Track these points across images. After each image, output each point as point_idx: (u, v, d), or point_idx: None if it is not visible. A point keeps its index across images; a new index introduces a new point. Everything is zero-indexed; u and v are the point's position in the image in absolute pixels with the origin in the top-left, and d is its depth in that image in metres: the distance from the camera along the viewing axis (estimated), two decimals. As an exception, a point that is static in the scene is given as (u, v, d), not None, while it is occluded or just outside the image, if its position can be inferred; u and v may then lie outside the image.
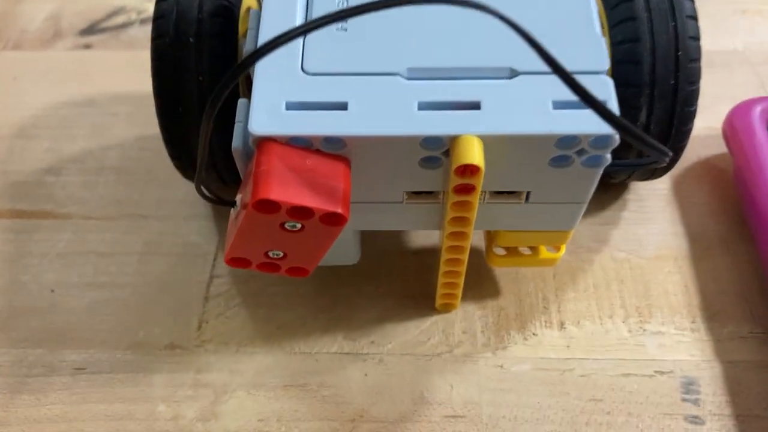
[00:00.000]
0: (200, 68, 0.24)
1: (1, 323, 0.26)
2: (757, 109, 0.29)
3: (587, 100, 0.16)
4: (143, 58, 0.37)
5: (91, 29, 0.39)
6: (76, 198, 0.30)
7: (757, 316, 0.25)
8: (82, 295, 0.27)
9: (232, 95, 0.24)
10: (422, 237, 0.28)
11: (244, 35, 0.26)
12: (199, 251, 0.28)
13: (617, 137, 0.18)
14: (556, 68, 0.16)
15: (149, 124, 0.33)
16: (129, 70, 0.37)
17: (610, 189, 0.29)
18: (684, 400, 0.23)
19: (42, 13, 0.40)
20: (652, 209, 0.29)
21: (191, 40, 0.24)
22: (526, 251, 0.24)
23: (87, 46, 0.38)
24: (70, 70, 0.37)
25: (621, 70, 0.24)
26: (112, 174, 0.31)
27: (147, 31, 0.39)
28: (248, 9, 0.27)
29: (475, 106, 0.19)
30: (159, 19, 0.24)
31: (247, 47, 0.22)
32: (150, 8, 0.40)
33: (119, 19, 0.40)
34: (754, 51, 0.36)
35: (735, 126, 0.29)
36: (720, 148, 0.31)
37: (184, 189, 0.30)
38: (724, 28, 0.38)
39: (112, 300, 0.27)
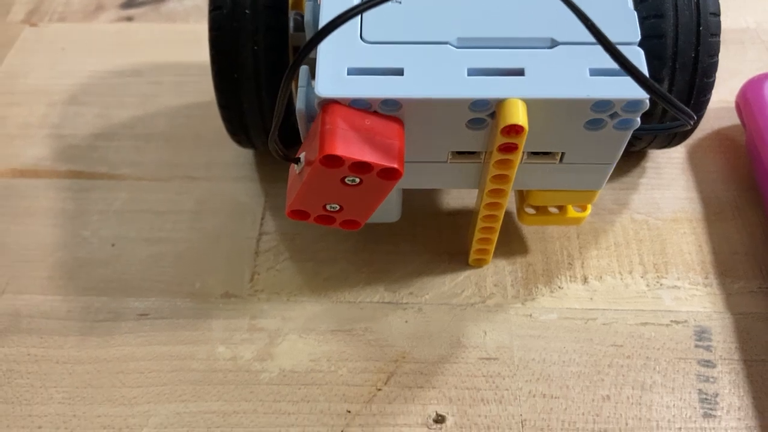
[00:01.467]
0: (256, 38, 0.26)
1: (67, 274, 0.28)
2: (769, 84, 0.31)
3: (625, 66, 0.18)
4: (183, 30, 0.40)
5: (131, 2, 0.41)
6: (129, 161, 0.32)
7: (766, 272, 0.28)
8: (141, 249, 0.29)
9: (281, 67, 0.27)
10: (455, 199, 0.30)
11: (293, 6, 0.28)
12: (248, 210, 0.30)
13: (647, 101, 0.20)
14: (598, 36, 0.18)
15: (194, 93, 0.35)
16: (170, 42, 0.38)
17: (630, 157, 0.31)
18: (697, 346, 0.26)
19: (84, -14, 0.42)
20: (669, 176, 0.31)
21: (247, 12, 0.26)
22: (555, 211, 0.26)
23: (128, 19, 0.40)
24: (114, 41, 0.39)
25: (646, 44, 0.26)
26: (161, 139, 0.33)
27: (185, 4, 0.41)
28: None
29: (520, 72, 0.21)
30: (216, -8, 0.26)
31: (306, 18, 0.24)
32: (186, -18, 0.42)
33: (158, -7, 0.42)
34: (765, 29, 0.38)
35: (748, 99, 0.31)
36: (733, 120, 0.33)
37: (230, 153, 0.32)
38: (738, 6, 0.40)
39: (169, 253, 0.29)
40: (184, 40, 0.38)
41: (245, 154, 0.32)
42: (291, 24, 0.27)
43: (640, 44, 0.26)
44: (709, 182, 0.31)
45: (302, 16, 0.28)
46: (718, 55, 0.26)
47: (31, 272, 0.28)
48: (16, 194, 0.31)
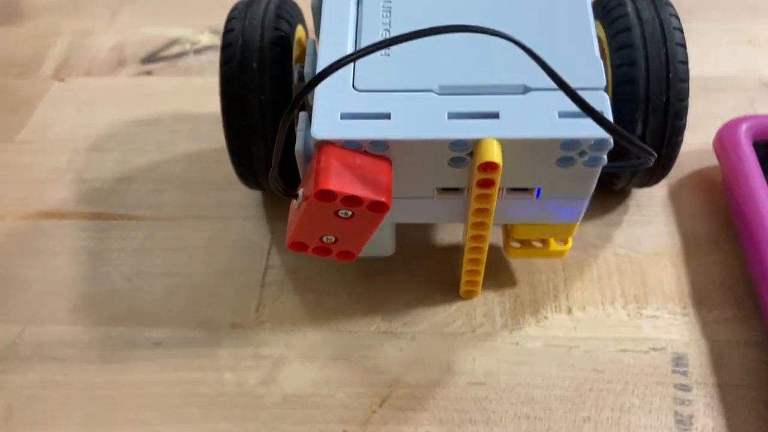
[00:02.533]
0: (262, 89, 0.28)
1: (88, 306, 0.30)
2: (743, 127, 0.33)
3: (585, 108, 0.20)
4: (198, 83, 0.43)
5: (150, 58, 0.44)
6: (147, 203, 0.35)
7: (739, 302, 0.29)
8: (156, 283, 0.31)
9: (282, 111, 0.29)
10: (448, 234, 0.32)
11: (297, 60, 0.31)
12: (255, 247, 0.32)
13: (612, 140, 0.22)
14: (561, 84, 0.20)
15: (207, 139, 0.38)
16: (186, 94, 0.41)
17: (614, 195, 0.33)
18: (674, 371, 0.27)
19: (108, 43, 0.45)
20: (651, 213, 0.33)
21: (255, 65, 0.28)
22: (538, 244, 0.28)
23: (148, 73, 0.43)
24: (134, 93, 0.42)
25: (620, 90, 0.28)
26: (176, 182, 0.36)
27: (201, 60, 0.44)
28: (299, 38, 0.32)
29: (495, 115, 0.23)
30: (227, 47, 0.29)
31: (306, 70, 0.26)
32: (201, 40, 0.45)
33: (175, 49, 0.45)
34: (745, 77, 0.40)
35: (723, 141, 0.33)
36: (712, 161, 0.35)
37: (240, 194, 0.34)
38: (721, 56, 0.42)
39: (182, 286, 0.31)
40: (199, 92, 0.41)
41: (253, 195, 0.34)
42: (295, 75, 0.30)
43: (614, 90, 0.28)
44: (688, 218, 0.33)
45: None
46: (687, 99, 0.28)
47: (55, 305, 0.30)
48: (43, 234, 0.33)
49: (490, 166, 0.22)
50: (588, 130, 0.22)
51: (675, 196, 0.34)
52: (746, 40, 0.43)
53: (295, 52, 0.31)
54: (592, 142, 0.23)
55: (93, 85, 0.42)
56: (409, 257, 0.31)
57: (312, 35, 0.31)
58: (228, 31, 0.29)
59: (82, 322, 0.30)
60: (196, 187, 0.35)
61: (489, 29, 0.20)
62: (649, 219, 0.33)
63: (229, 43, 0.29)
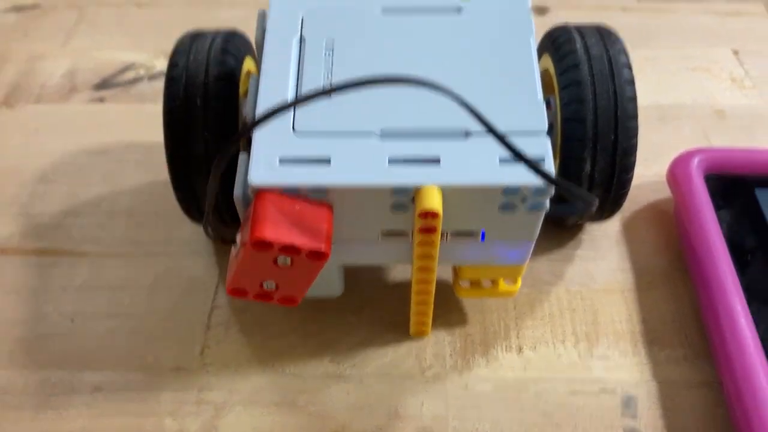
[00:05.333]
0: (206, 126, 0.28)
1: (26, 348, 0.29)
2: (695, 160, 0.33)
3: (522, 158, 0.20)
4: (151, 111, 0.42)
5: (103, 84, 0.43)
6: (92, 237, 0.34)
7: (691, 341, 0.29)
8: (99, 324, 0.30)
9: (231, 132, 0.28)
10: (398, 273, 0.32)
11: (245, 94, 0.30)
12: (201, 284, 0.31)
13: (552, 187, 0.22)
14: (495, 134, 0.20)
15: (155, 171, 0.37)
16: (138, 122, 0.40)
17: (567, 230, 0.33)
18: (623, 414, 0.27)
19: (60, 69, 0.44)
20: (604, 248, 0.33)
21: (198, 102, 0.28)
22: (488, 284, 0.28)
23: (101, 100, 0.42)
24: (86, 121, 0.41)
25: (569, 127, 0.28)
26: (123, 216, 0.35)
27: (154, 86, 0.43)
28: (248, 72, 0.31)
29: (436, 161, 0.23)
30: (170, 83, 0.28)
31: (246, 110, 0.26)
32: (157, 65, 0.44)
33: (129, 75, 0.44)
34: (700, 105, 0.40)
35: (675, 174, 0.33)
36: (667, 192, 0.34)
37: (188, 229, 0.34)
38: (676, 83, 0.42)
39: (125, 328, 0.30)
40: (150, 120, 0.40)
41: (201, 230, 0.33)
42: (243, 110, 0.29)
43: (562, 128, 0.28)
44: (641, 253, 0.32)
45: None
46: (636, 137, 0.28)
47: (-8, 347, 0.29)
48: (-16, 271, 0.32)
49: (431, 214, 0.22)
50: (528, 177, 0.22)
51: (629, 229, 0.33)
52: (702, 67, 0.43)
53: (243, 86, 0.30)
54: (533, 188, 0.22)
55: (43, 112, 0.41)
56: (360, 295, 0.31)
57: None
58: (172, 65, 0.29)
59: (19, 366, 0.29)
60: (143, 220, 0.34)
61: (422, 80, 0.20)
62: (602, 254, 0.32)
63: (173, 77, 0.28)
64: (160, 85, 0.43)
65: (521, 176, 0.22)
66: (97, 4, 0.51)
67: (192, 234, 0.34)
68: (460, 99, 0.20)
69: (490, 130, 0.20)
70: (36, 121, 0.41)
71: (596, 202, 0.22)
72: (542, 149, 0.23)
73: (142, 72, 0.44)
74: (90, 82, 0.43)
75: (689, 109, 0.40)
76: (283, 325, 0.30)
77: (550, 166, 0.22)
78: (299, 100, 0.19)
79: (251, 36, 0.31)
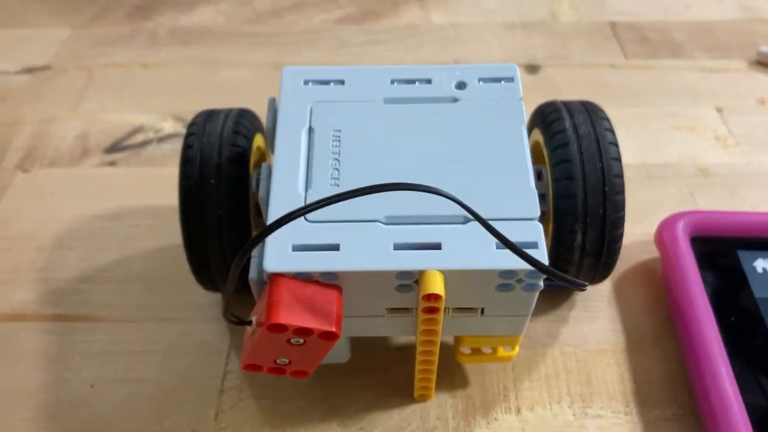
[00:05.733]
0: (219, 204, 0.29)
1: (50, 415, 0.31)
2: (681, 223, 0.35)
3: (515, 250, 0.22)
4: (161, 174, 0.43)
5: (114, 147, 0.45)
6: (109, 303, 0.35)
7: (679, 400, 0.31)
8: (117, 390, 0.32)
9: (242, 224, 0.30)
10: (402, 338, 0.33)
11: (255, 166, 0.32)
12: (214, 349, 0.33)
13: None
14: (489, 228, 0.22)
15: (168, 235, 0.39)
16: (149, 186, 0.42)
17: (561, 290, 0.35)
18: (617, 473, 0.28)
19: (72, 131, 0.46)
20: (596, 308, 0.34)
21: (212, 181, 0.30)
22: (487, 350, 0.30)
23: (112, 163, 0.44)
24: (98, 185, 0.42)
25: (560, 202, 0.30)
26: (137, 281, 0.36)
27: (163, 148, 0.45)
28: (258, 148, 0.33)
29: (437, 246, 0.24)
30: (185, 164, 0.30)
31: (261, 195, 0.27)
32: (165, 127, 0.46)
33: (139, 138, 0.46)
34: (686, 164, 0.42)
35: (663, 237, 0.35)
36: (655, 252, 0.36)
37: (200, 295, 0.35)
38: (662, 143, 0.44)
39: (142, 393, 0.31)
40: (161, 183, 0.42)
41: (214, 296, 0.35)
42: (252, 183, 0.31)
43: (554, 202, 0.30)
44: (631, 313, 0.34)
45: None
46: (623, 211, 0.30)
47: (16, 414, 0.31)
48: (4, 338, 0.34)
49: (434, 297, 0.24)
50: (522, 261, 0.24)
51: (619, 289, 0.35)
52: (687, 126, 0.45)
53: (253, 158, 0.32)
54: (527, 272, 0.24)
55: (57, 175, 0.43)
56: (366, 359, 0.32)
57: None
58: (187, 147, 0.30)
59: (42, 434, 0.30)
60: (157, 286, 0.36)
61: (424, 186, 0.22)
62: (594, 315, 0.34)
63: (188, 159, 0.30)
64: (168, 147, 0.45)
65: (516, 261, 0.24)
66: (105, 65, 0.53)
67: (203, 299, 0.35)
68: (456, 200, 0.22)
69: (487, 226, 0.22)
70: (50, 185, 0.42)
71: (587, 287, 0.24)
72: (535, 235, 0.24)
73: (151, 135, 0.46)
74: (101, 145, 0.45)
75: (675, 168, 0.42)
76: (293, 390, 0.31)
77: (543, 251, 0.24)
78: (308, 208, 0.21)
79: (256, 105, 0.33)
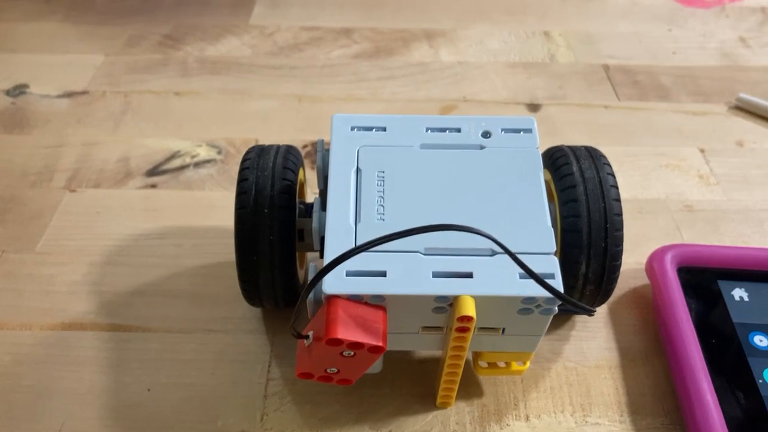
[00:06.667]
0: (272, 231, 0.34)
1: (114, 415, 0.35)
2: (669, 255, 0.39)
3: (538, 280, 0.26)
4: (200, 197, 0.48)
5: (154, 171, 0.49)
6: (158, 316, 0.39)
7: (667, 411, 0.35)
8: (172, 393, 0.36)
9: (289, 248, 0.34)
10: (424, 352, 0.38)
11: (298, 197, 0.36)
12: (257, 359, 0.37)
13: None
14: (517, 261, 0.26)
15: (209, 255, 0.43)
16: (188, 207, 0.46)
17: (564, 313, 0.39)
18: (613, 473, 0.33)
19: (114, 155, 0.50)
20: (594, 329, 0.39)
21: (266, 210, 0.34)
22: (502, 365, 0.34)
23: (152, 186, 0.48)
24: (141, 206, 0.47)
25: (567, 236, 0.34)
26: (184, 296, 0.40)
27: (200, 173, 0.49)
28: (301, 181, 0.37)
29: (469, 275, 0.29)
30: (241, 194, 0.34)
31: (314, 225, 0.32)
32: (200, 153, 0.51)
33: (176, 162, 0.50)
34: (673, 200, 0.47)
35: (653, 267, 0.39)
36: (646, 280, 0.41)
37: (242, 309, 0.39)
38: (652, 180, 0.49)
39: (195, 397, 0.36)
40: (199, 205, 0.47)
41: (254, 310, 0.39)
42: (297, 211, 0.35)
43: (562, 237, 0.34)
44: (625, 334, 0.39)
45: (304, 204, 0.36)
46: (622, 245, 0.34)
47: (83, 414, 0.35)
48: (67, 345, 0.38)
49: (467, 318, 0.28)
50: (542, 290, 0.28)
51: (614, 312, 0.40)
52: (673, 165, 0.50)
53: (299, 189, 0.36)
54: (545, 299, 0.28)
55: (102, 196, 0.47)
56: (393, 370, 0.37)
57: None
58: (242, 180, 0.35)
59: (108, 431, 0.34)
60: (201, 301, 0.40)
61: (463, 227, 0.26)
62: (593, 334, 0.39)
63: (244, 191, 0.34)
64: (204, 172, 0.49)
65: (537, 289, 0.28)
66: (140, 92, 0.57)
67: (245, 313, 0.39)
68: (492, 237, 0.26)
69: (515, 259, 0.26)
70: (97, 205, 0.46)
71: (595, 312, 0.29)
72: (552, 267, 0.29)
73: (187, 159, 0.50)
74: (142, 168, 0.49)
75: (663, 203, 0.47)
76: (328, 396, 0.36)
77: (559, 281, 0.29)
78: (359, 249, 0.26)
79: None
